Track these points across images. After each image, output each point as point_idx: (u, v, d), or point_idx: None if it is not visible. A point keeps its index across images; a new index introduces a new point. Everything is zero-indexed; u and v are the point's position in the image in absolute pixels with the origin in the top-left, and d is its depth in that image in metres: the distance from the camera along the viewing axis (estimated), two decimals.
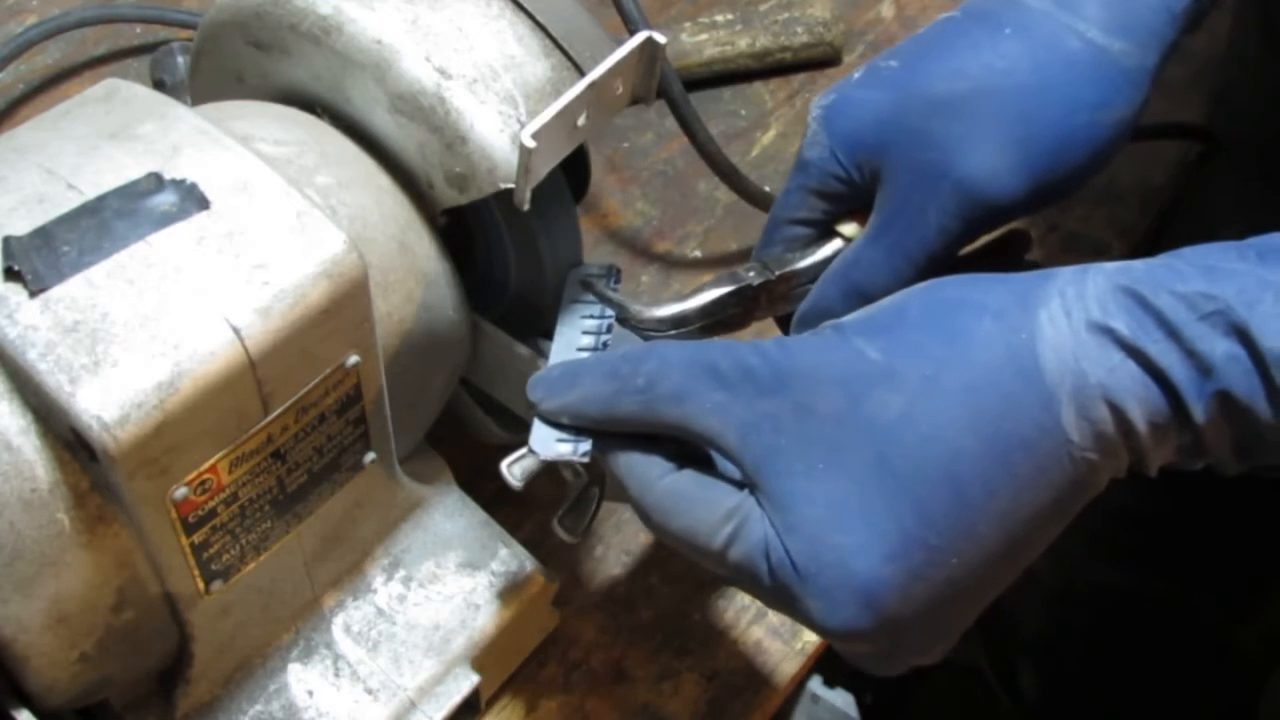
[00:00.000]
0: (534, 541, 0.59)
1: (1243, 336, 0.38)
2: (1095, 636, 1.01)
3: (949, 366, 0.40)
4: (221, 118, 0.49)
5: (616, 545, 0.65)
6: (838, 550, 0.40)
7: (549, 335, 0.54)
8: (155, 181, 0.43)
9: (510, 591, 0.56)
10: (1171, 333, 0.38)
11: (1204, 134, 0.83)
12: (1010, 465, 0.39)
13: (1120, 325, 0.39)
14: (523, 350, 0.54)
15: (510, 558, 0.57)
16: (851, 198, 0.52)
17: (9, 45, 0.75)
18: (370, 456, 0.49)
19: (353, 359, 0.45)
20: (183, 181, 0.43)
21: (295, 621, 0.52)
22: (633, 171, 0.81)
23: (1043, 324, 0.39)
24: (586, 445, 0.46)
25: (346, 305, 0.44)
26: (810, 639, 0.62)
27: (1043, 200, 0.50)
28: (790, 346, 0.42)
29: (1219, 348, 0.38)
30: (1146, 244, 0.83)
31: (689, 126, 0.69)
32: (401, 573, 0.55)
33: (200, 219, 0.42)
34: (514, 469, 0.47)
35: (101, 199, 0.42)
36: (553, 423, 0.46)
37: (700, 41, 0.84)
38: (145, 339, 0.40)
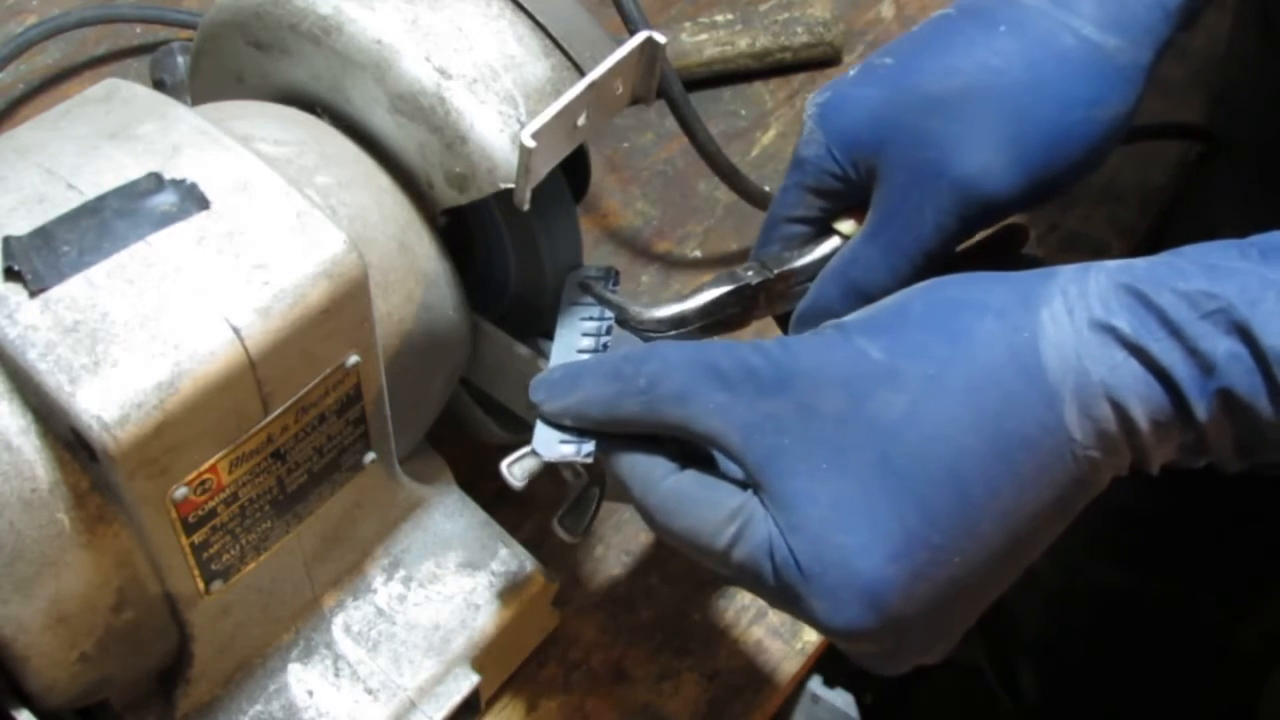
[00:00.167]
0: (534, 541, 0.59)
1: (1244, 335, 0.38)
2: (1095, 636, 1.01)
3: (951, 366, 0.40)
4: (221, 118, 0.49)
5: (616, 545, 0.65)
6: (841, 550, 0.40)
7: (549, 335, 0.54)
8: (155, 181, 0.43)
9: (510, 591, 0.56)
10: (1174, 331, 0.38)
11: (1204, 134, 0.83)
12: (1013, 464, 0.39)
13: (1122, 324, 0.39)
14: (523, 350, 0.54)
15: (510, 558, 0.57)
16: (848, 195, 0.52)
17: (9, 45, 0.75)
18: (370, 456, 0.49)
19: (353, 359, 0.45)
20: (183, 181, 0.43)
21: (295, 621, 0.52)
22: (633, 171, 0.81)
23: (1045, 323, 0.39)
24: (590, 446, 0.46)
25: (346, 305, 0.44)
26: (810, 639, 0.62)
27: (1039, 197, 0.50)
28: (792, 346, 0.42)
29: (1221, 346, 0.38)
30: (1146, 244, 0.83)
31: (689, 126, 0.69)
32: (401, 573, 0.55)
33: (200, 219, 0.42)
34: (514, 469, 0.47)
35: (101, 199, 0.42)
36: (555, 424, 0.46)
37: (700, 41, 0.84)
38: (145, 339, 0.40)
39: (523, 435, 0.52)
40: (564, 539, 0.49)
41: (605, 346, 0.52)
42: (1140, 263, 0.40)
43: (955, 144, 0.49)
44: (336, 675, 0.52)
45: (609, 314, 0.53)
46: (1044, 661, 1.04)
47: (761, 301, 0.54)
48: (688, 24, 0.85)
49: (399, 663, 0.53)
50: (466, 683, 0.54)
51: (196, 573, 0.45)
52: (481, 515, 0.57)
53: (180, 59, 0.75)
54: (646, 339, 0.52)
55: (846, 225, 0.53)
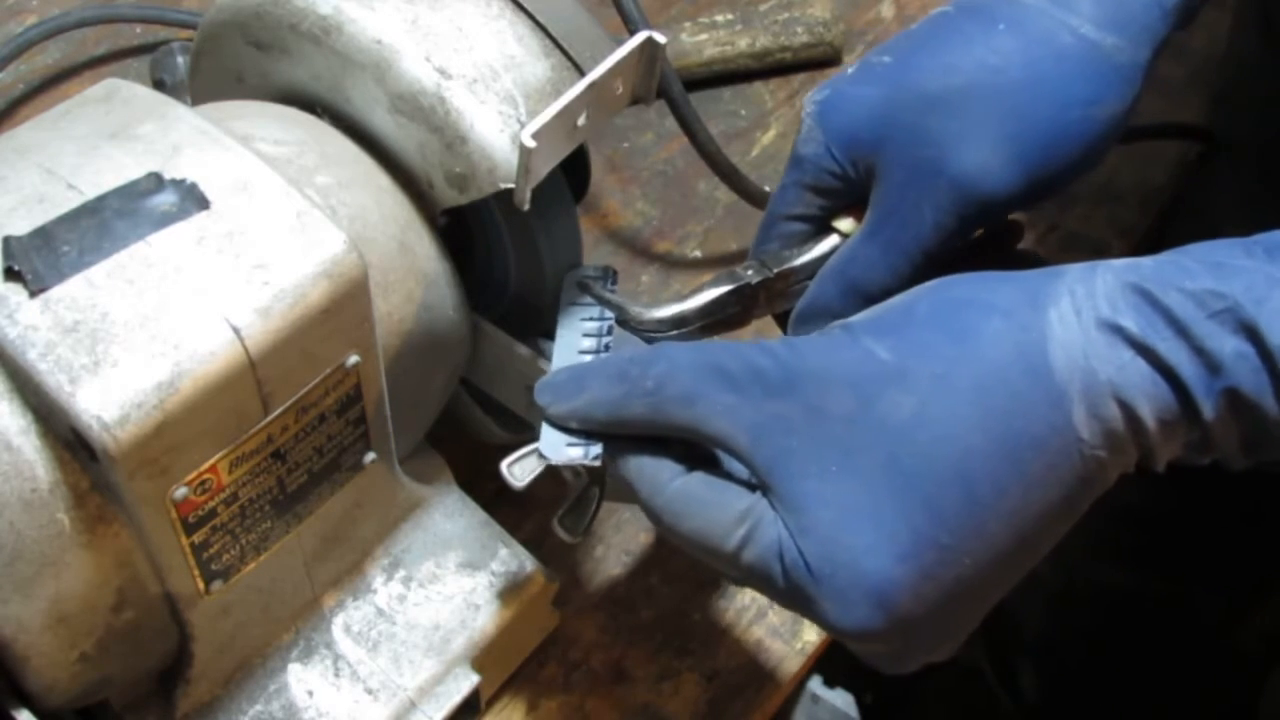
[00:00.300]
0: (534, 541, 0.59)
1: (1251, 334, 0.38)
2: (1096, 636, 1.01)
3: (959, 366, 0.40)
4: (221, 118, 0.49)
5: (616, 545, 0.65)
6: (851, 551, 0.40)
7: (549, 335, 0.54)
8: (155, 181, 0.43)
9: (510, 591, 0.56)
10: (1180, 330, 0.38)
11: (1204, 134, 0.83)
12: (1021, 463, 0.39)
13: (1129, 323, 0.39)
14: (523, 350, 0.54)
15: (510, 558, 0.57)
16: (847, 193, 0.52)
17: (9, 45, 0.75)
18: (370, 456, 0.49)
19: (353, 359, 0.45)
20: (183, 181, 0.43)
21: (295, 621, 0.52)
22: (633, 171, 0.81)
23: (1052, 322, 0.39)
24: (597, 449, 0.46)
25: (346, 305, 0.44)
26: (810, 639, 0.62)
27: (1037, 195, 0.50)
28: (799, 347, 0.42)
29: (1227, 345, 0.38)
30: (1146, 244, 0.83)
31: (689, 126, 0.69)
32: (401, 573, 0.55)
33: (200, 219, 0.42)
34: (514, 469, 0.47)
35: (101, 199, 0.42)
36: (561, 427, 0.46)
37: (700, 41, 0.84)
38: (145, 339, 0.40)
39: (523, 435, 0.52)
40: (564, 539, 0.49)
41: (607, 347, 0.52)
42: (1147, 262, 0.40)
43: (954, 142, 0.49)
44: (336, 675, 0.52)
45: (609, 314, 0.53)
46: (1044, 662, 1.04)
47: (761, 300, 0.54)
48: (688, 24, 0.85)
49: (399, 663, 0.53)
50: (466, 683, 0.54)
51: (196, 573, 0.45)
52: (481, 515, 0.57)
53: (180, 59, 0.75)
54: (647, 339, 0.52)
55: (845, 224, 0.54)
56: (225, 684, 0.50)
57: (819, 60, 0.87)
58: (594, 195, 0.80)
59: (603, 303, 0.53)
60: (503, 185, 0.48)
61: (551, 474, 0.47)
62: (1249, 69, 0.80)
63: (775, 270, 0.53)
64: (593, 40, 0.52)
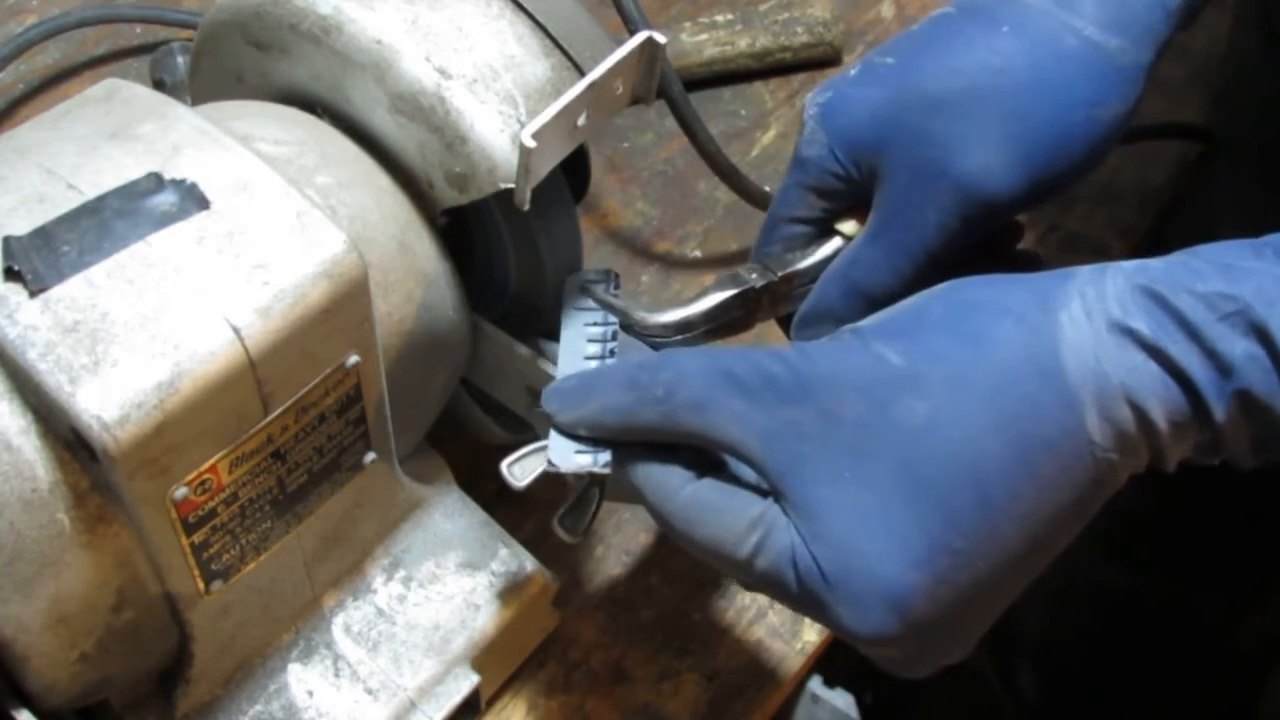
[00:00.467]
0: (534, 541, 0.59)
1: (1262, 336, 0.38)
2: (1096, 637, 1.01)
3: (971, 370, 0.40)
4: (221, 118, 0.49)
5: (616, 545, 0.65)
6: (865, 557, 0.40)
7: (549, 335, 0.54)
8: (155, 181, 0.43)
9: (510, 591, 0.56)
10: (1192, 333, 0.38)
11: (1204, 134, 0.83)
12: (1033, 467, 0.39)
13: (1141, 326, 0.39)
14: (523, 350, 0.54)
15: (510, 558, 0.57)
16: (849, 195, 0.52)
17: (9, 45, 0.75)
18: (370, 456, 0.49)
19: (353, 359, 0.45)
20: (183, 181, 0.43)
21: (295, 621, 0.52)
22: (633, 171, 0.81)
23: (1063, 325, 0.39)
24: (606, 456, 0.45)
25: (346, 305, 0.44)
26: (810, 639, 0.62)
27: (1040, 197, 0.50)
28: (810, 352, 0.42)
29: (1239, 348, 0.38)
30: (1146, 244, 0.83)
31: (689, 126, 0.69)
32: (401, 573, 0.55)
33: (200, 219, 0.42)
34: (514, 469, 0.47)
35: (101, 199, 0.42)
36: (569, 434, 0.46)
37: (700, 41, 0.84)
38: (145, 339, 0.40)
39: (523, 435, 0.52)
40: (564, 539, 0.49)
41: (612, 353, 0.52)
42: (1157, 263, 0.40)
43: (957, 144, 0.49)
44: (336, 675, 0.52)
45: (612, 319, 0.53)
46: (1045, 662, 1.04)
47: (765, 304, 0.54)
48: (688, 24, 0.85)
49: (399, 663, 0.53)
50: (466, 683, 0.54)
51: (196, 573, 0.45)
52: (481, 515, 0.57)
53: (180, 59, 0.75)
54: (652, 344, 0.52)
55: (848, 226, 0.53)
56: (225, 684, 0.50)
57: (819, 60, 0.87)
58: (594, 195, 0.80)
59: (606, 307, 0.53)
60: (503, 185, 0.48)
61: (552, 474, 0.47)
62: (1249, 69, 0.80)
63: (780, 274, 0.53)
64: (593, 40, 0.52)
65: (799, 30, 0.86)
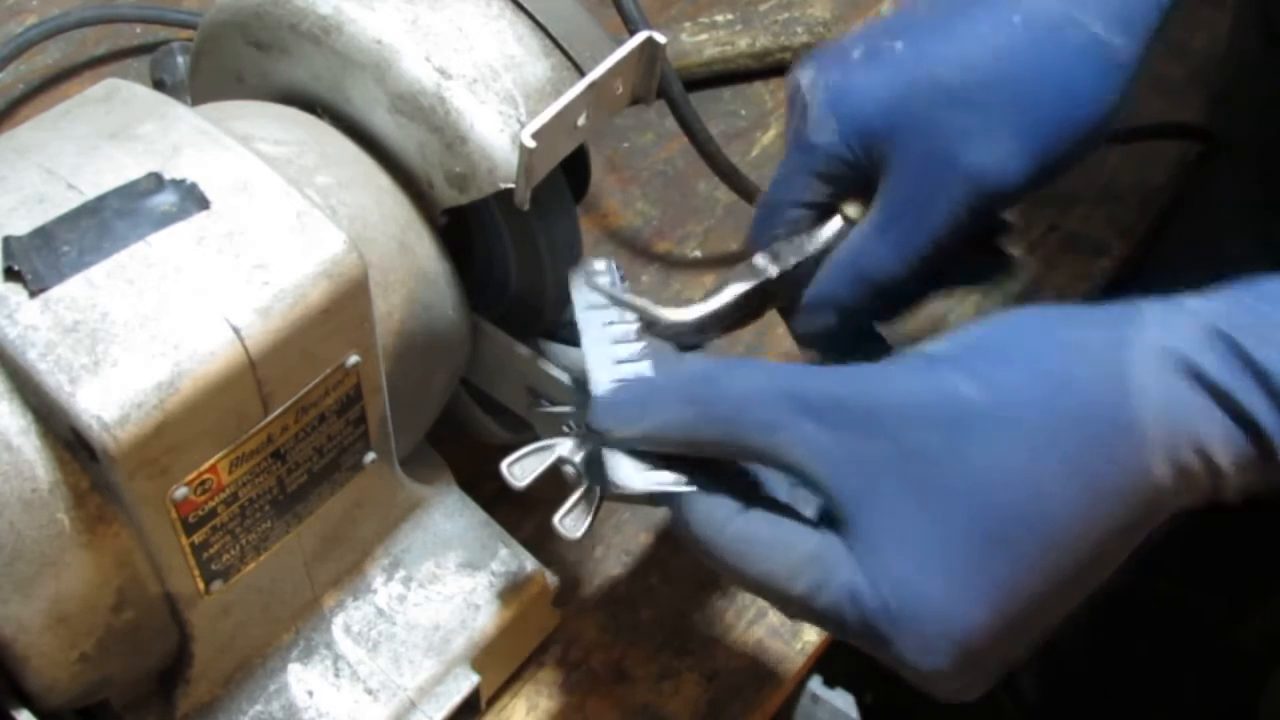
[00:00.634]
0: (534, 541, 0.59)
1: None
2: (1096, 637, 1.01)
3: (1047, 413, 0.40)
4: (221, 118, 0.49)
5: (616, 545, 0.65)
6: (931, 597, 0.40)
7: (549, 335, 0.54)
8: (155, 181, 0.43)
9: (510, 591, 0.56)
10: (1259, 376, 0.38)
11: (1204, 134, 0.83)
12: (1100, 509, 0.39)
13: (1210, 369, 0.39)
14: (523, 350, 0.54)
15: (510, 558, 0.57)
16: (854, 179, 0.52)
17: (9, 45, 0.75)
18: (370, 456, 0.49)
19: (353, 359, 0.45)
20: (183, 181, 0.43)
21: (295, 621, 0.52)
22: (633, 171, 0.81)
23: (1134, 364, 0.39)
24: (682, 478, 0.44)
25: (346, 305, 0.44)
26: (810, 639, 0.62)
27: (1037, 187, 0.50)
28: (878, 376, 0.42)
29: None
30: (1146, 244, 0.83)
31: (689, 126, 0.69)
32: (401, 573, 0.55)
33: (200, 219, 0.42)
34: (515, 469, 0.47)
35: (101, 199, 0.42)
36: (627, 451, 0.45)
37: (700, 41, 0.84)
38: (145, 339, 0.40)
39: (523, 435, 0.52)
40: (564, 538, 0.49)
41: (644, 356, 0.50)
42: (1222, 302, 0.40)
43: (969, 136, 0.49)
44: (336, 675, 0.52)
45: (629, 316, 0.52)
46: (1044, 662, 1.04)
47: (777, 292, 0.54)
48: (688, 24, 0.85)
49: (399, 663, 0.53)
50: (466, 683, 0.54)
51: (196, 573, 0.45)
52: (481, 515, 0.57)
53: (180, 59, 0.75)
54: (676, 343, 0.52)
55: (853, 209, 0.53)
56: (225, 684, 0.50)
57: None
58: (594, 195, 0.80)
59: (623, 306, 0.52)
60: (503, 185, 0.48)
61: (551, 474, 0.47)
62: (1249, 69, 0.80)
63: (793, 261, 0.53)
64: (593, 40, 0.52)
65: (799, 30, 0.86)
